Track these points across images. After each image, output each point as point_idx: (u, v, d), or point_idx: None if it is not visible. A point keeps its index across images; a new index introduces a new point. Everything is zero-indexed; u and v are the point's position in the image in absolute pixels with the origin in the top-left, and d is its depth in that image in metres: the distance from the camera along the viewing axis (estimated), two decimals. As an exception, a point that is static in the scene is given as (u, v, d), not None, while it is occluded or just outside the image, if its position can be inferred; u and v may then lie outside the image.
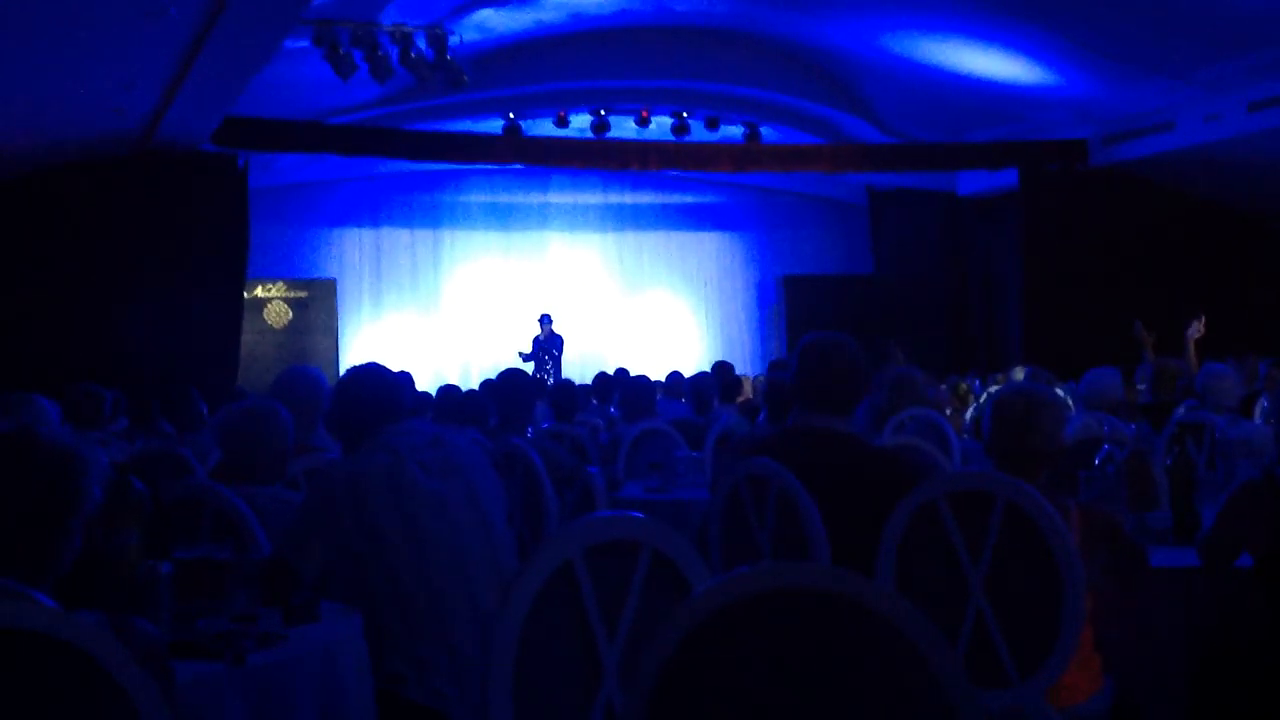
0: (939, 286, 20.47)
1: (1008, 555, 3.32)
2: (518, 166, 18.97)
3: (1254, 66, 13.60)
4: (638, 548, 2.45)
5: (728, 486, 4.01)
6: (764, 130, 18.19)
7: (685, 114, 17.69)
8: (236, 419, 4.31)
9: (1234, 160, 15.31)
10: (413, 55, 13.62)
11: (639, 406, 8.35)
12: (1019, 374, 11.29)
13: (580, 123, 17.49)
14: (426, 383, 11.90)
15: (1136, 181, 17.03)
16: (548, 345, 17.75)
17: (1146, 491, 4.22)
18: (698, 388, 9.47)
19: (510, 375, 7.06)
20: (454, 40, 14.00)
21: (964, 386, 11.42)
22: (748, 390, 11.47)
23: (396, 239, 20.50)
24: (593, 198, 21.27)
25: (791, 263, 21.75)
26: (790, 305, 20.98)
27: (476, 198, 20.75)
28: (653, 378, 9.93)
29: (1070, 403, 9.44)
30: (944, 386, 11.09)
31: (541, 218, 21.14)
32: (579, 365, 19.14)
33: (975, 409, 9.00)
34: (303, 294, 18.86)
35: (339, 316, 19.25)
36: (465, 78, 14.10)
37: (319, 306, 18.94)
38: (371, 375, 3.95)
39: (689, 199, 21.71)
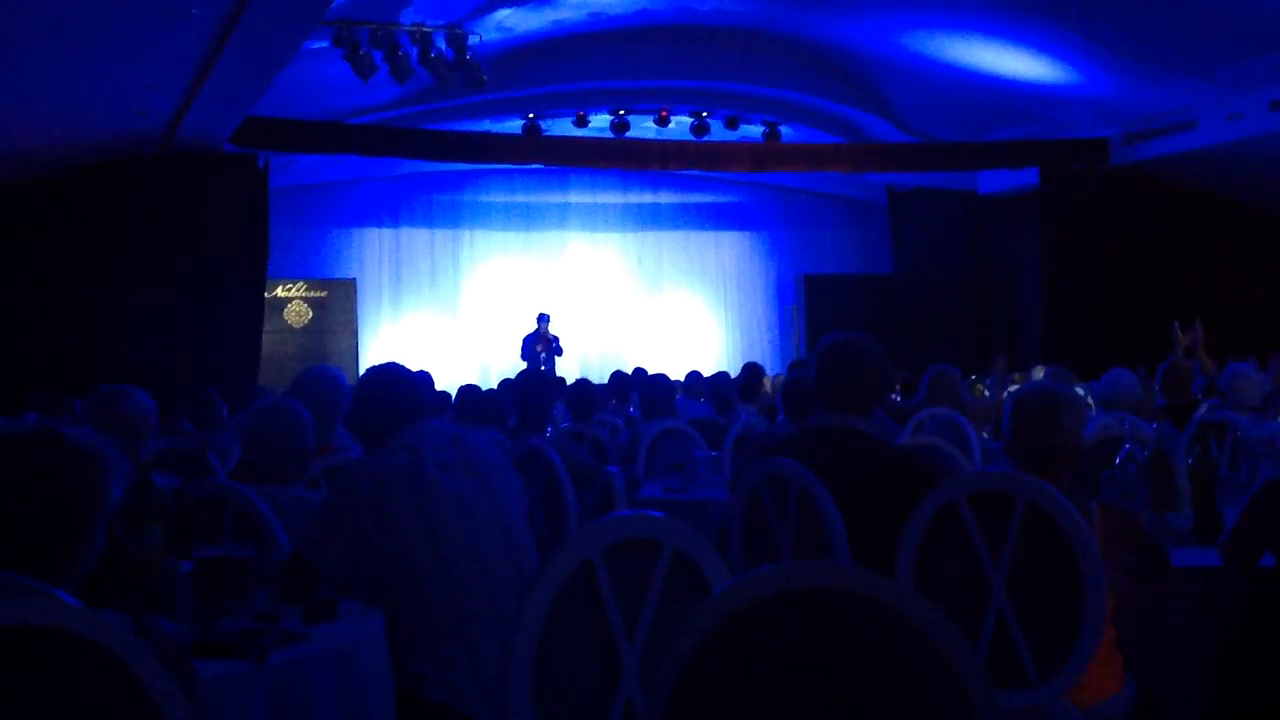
0: (959, 286, 20.41)
1: (1028, 555, 3.31)
2: (537, 166, 18.99)
3: (1276, 65, 13.53)
4: (658, 547, 2.45)
5: (748, 486, 4.01)
6: (784, 130, 18.17)
7: (705, 114, 17.68)
8: (258, 419, 4.32)
9: (1256, 159, 15.23)
10: (432, 55, 13.65)
11: (659, 406, 8.35)
12: (1039, 374, 11.26)
13: (600, 123, 17.50)
14: (446, 382, 11.93)
15: (1158, 181, 16.95)
16: (536, 345, 17.55)
17: (1168, 491, 4.20)
18: (718, 388, 9.47)
19: (530, 375, 7.08)
20: (473, 40, 14.03)
21: (980, 386, 11.41)
22: (767, 389, 11.45)
23: (416, 239, 20.55)
24: (612, 198, 21.28)
25: (811, 262, 21.72)
26: (810, 305, 20.94)
27: (496, 198, 20.78)
28: (672, 377, 9.91)
29: (1091, 402, 9.41)
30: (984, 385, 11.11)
31: (561, 218, 21.16)
32: (598, 365, 19.16)
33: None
34: (323, 294, 18.90)
35: (359, 316, 19.29)
36: (485, 78, 14.13)
37: (339, 306, 18.99)
38: (391, 375, 3.96)
39: (708, 199, 21.70)
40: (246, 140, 14.64)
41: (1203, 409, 6.82)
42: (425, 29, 13.63)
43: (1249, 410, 6.55)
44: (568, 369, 18.43)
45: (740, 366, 10.92)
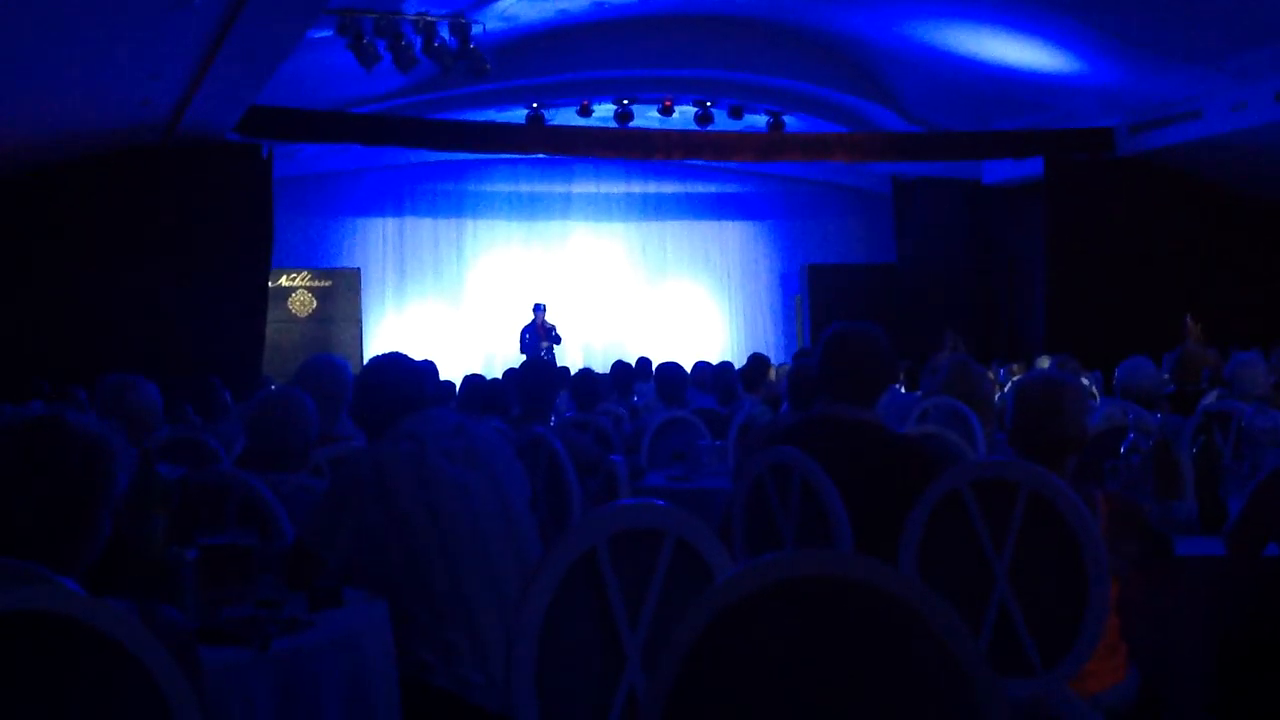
0: (963, 276, 20.40)
1: (1032, 544, 3.31)
2: (541, 156, 18.99)
3: (1282, 54, 13.51)
4: (661, 536, 2.45)
5: (751, 475, 4.01)
6: (788, 119, 18.15)
7: (709, 103, 17.67)
8: (262, 407, 4.33)
9: (1261, 149, 15.20)
10: (436, 44, 13.63)
11: (673, 394, 8.36)
12: (1044, 363, 11.26)
13: (604, 112, 17.48)
14: (450, 372, 11.95)
15: (1163, 170, 16.93)
16: (538, 336, 17.57)
17: (1172, 481, 4.20)
18: (721, 378, 9.46)
19: (533, 364, 7.08)
20: (477, 29, 14.01)
21: (990, 376, 11.39)
22: (772, 379, 11.45)
23: (420, 228, 20.55)
24: (616, 187, 21.27)
25: (815, 252, 21.71)
26: (814, 295, 20.93)
27: (500, 187, 20.78)
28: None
29: (1095, 392, 9.40)
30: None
31: (565, 207, 21.16)
32: (601, 355, 19.16)
33: (1000, 398, 8.97)
34: (327, 283, 18.90)
35: (363, 306, 19.29)
36: (488, 67, 14.12)
37: (343, 296, 18.99)
38: (394, 364, 3.96)
39: (712, 188, 21.69)
40: (250, 130, 14.64)
41: (1208, 398, 6.81)
42: (429, 18, 13.61)
43: (1254, 399, 6.54)
44: (571, 359, 18.44)
45: (744, 356, 10.94)
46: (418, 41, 13.59)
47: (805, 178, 21.55)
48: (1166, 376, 7.50)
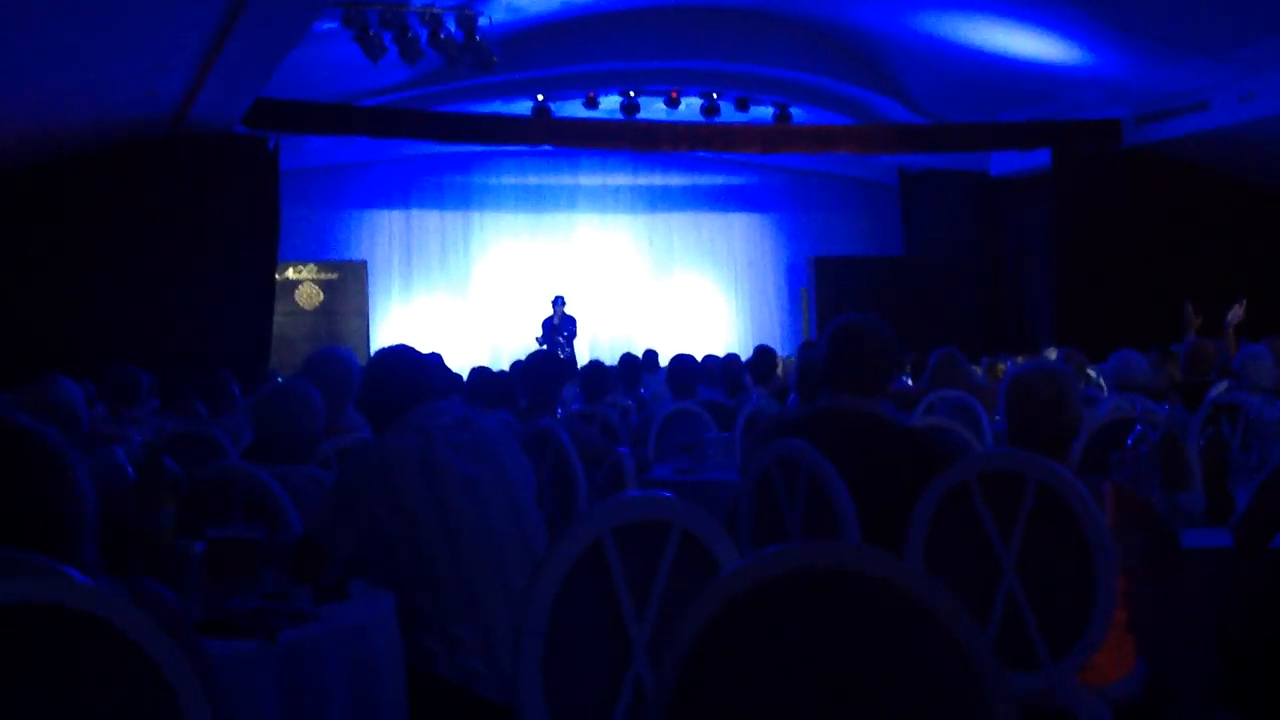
0: (970, 268, 20.38)
1: (1039, 536, 3.31)
2: (547, 148, 18.97)
3: (1290, 45, 13.47)
4: (667, 527, 2.45)
5: (758, 467, 4.01)
6: (794, 111, 18.13)
7: (715, 95, 17.64)
8: (269, 399, 4.33)
9: (1269, 140, 15.16)
10: (442, 37, 13.62)
11: (684, 385, 8.36)
12: (1051, 355, 11.24)
13: (610, 104, 17.47)
14: (456, 364, 11.95)
15: (1170, 162, 16.89)
16: (561, 327, 17.68)
17: (1179, 473, 4.19)
18: (728, 370, 9.46)
19: (540, 357, 7.09)
20: (483, 21, 13.99)
21: (1001, 367, 11.37)
22: (778, 371, 11.44)
23: (426, 221, 20.56)
24: (622, 179, 21.27)
25: (822, 244, 21.69)
26: (820, 287, 20.91)
27: (506, 179, 20.78)
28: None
29: (1103, 385, 9.40)
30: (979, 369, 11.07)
31: (571, 199, 21.15)
32: (608, 348, 19.16)
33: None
34: (333, 276, 18.92)
35: (369, 298, 19.31)
36: (494, 59, 14.11)
37: (350, 288, 19.01)
38: (401, 356, 3.96)
39: (719, 180, 21.67)
40: (257, 122, 14.64)
41: (1216, 390, 6.80)
42: (435, 10, 13.60)
43: (1261, 391, 6.52)
44: (577, 351, 18.46)
45: (750, 348, 10.91)
46: (424, 33, 13.58)
47: (812, 170, 21.53)
48: (1181, 366, 7.49)
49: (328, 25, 12.90)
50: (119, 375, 8.13)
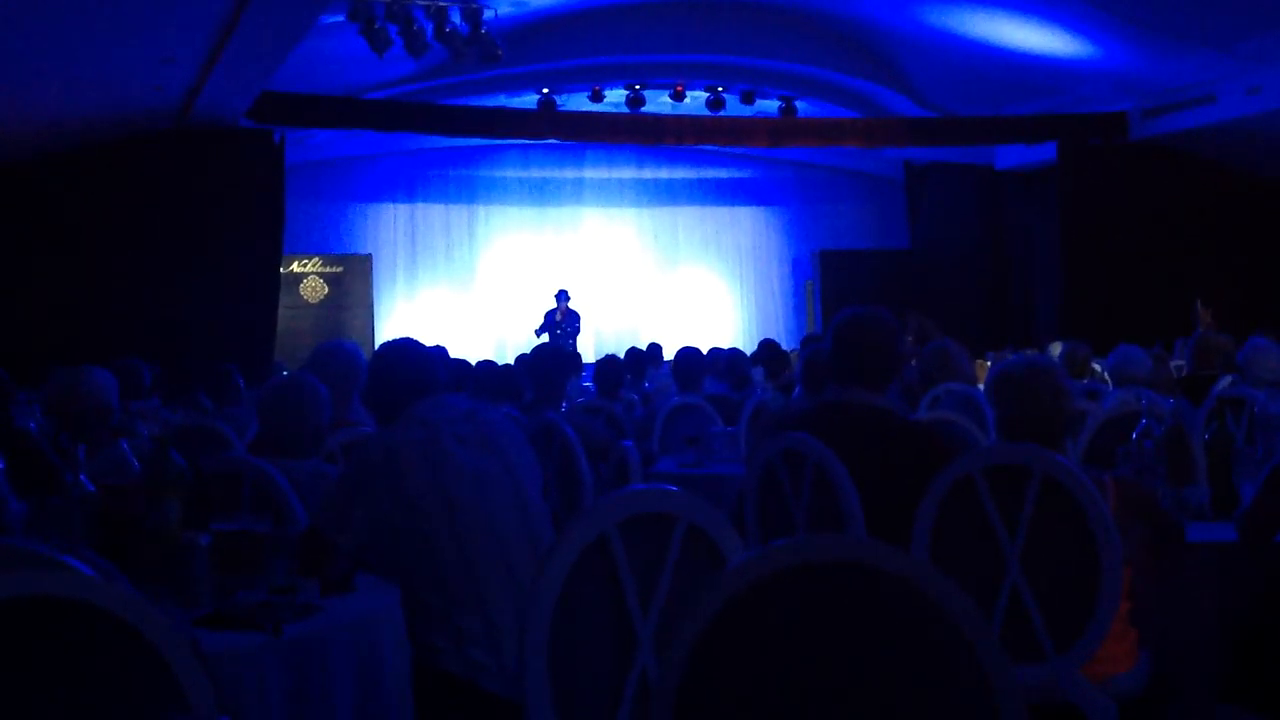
0: (976, 261, 20.35)
1: (1044, 529, 3.31)
2: (553, 142, 18.97)
3: (1296, 38, 13.44)
4: (673, 521, 2.45)
5: (763, 461, 4.01)
6: (800, 104, 18.10)
7: (721, 88, 17.62)
8: (275, 393, 4.34)
9: (1275, 132, 15.13)
10: (447, 30, 13.61)
11: (690, 379, 8.36)
12: (1055, 348, 11.23)
13: (615, 97, 17.46)
14: (461, 358, 11.93)
15: (1177, 155, 16.86)
16: (563, 322, 17.64)
17: (1184, 466, 4.19)
18: (734, 364, 9.45)
19: (545, 350, 7.08)
20: (489, 14, 13.98)
21: (986, 364, 11.37)
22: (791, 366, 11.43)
23: (431, 214, 20.56)
24: (628, 173, 21.26)
25: (827, 237, 21.67)
26: (825, 280, 20.90)
27: (511, 173, 20.78)
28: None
29: (1108, 378, 9.38)
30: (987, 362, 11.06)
31: (576, 193, 21.15)
32: (613, 341, 19.16)
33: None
34: (338, 269, 18.93)
35: (374, 292, 19.32)
36: (500, 52, 14.09)
37: (355, 282, 19.02)
38: (406, 349, 3.96)
39: (724, 174, 21.66)
40: (262, 115, 14.65)
41: (1221, 384, 6.79)
42: (440, 3, 13.59)
43: (1267, 385, 6.52)
44: (583, 344, 18.45)
45: (755, 342, 10.90)
46: (429, 27, 13.57)
47: (817, 163, 21.51)
48: (1181, 362, 7.48)
49: (333, 18, 12.89)
50: (123, 368, 8.13)
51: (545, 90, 17.01)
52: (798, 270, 21.86)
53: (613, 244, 21.21)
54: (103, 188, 14.41)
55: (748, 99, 17.77)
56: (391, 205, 20.32)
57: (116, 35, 10.66)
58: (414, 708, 3.25)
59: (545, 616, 2.33)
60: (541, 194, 20.97)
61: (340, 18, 13.05)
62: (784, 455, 3.93)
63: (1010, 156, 19.66)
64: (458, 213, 20.69)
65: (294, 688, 2.81)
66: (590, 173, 21.10)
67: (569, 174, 21.03)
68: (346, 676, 2.92)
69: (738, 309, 21.78)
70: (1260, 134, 15.30)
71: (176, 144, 14.53)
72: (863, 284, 19.85)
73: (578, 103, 17.51)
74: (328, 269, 18.85)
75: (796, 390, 7.14)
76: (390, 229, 20.29)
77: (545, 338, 17.09)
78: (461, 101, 16.61)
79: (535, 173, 20.86)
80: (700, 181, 21.62)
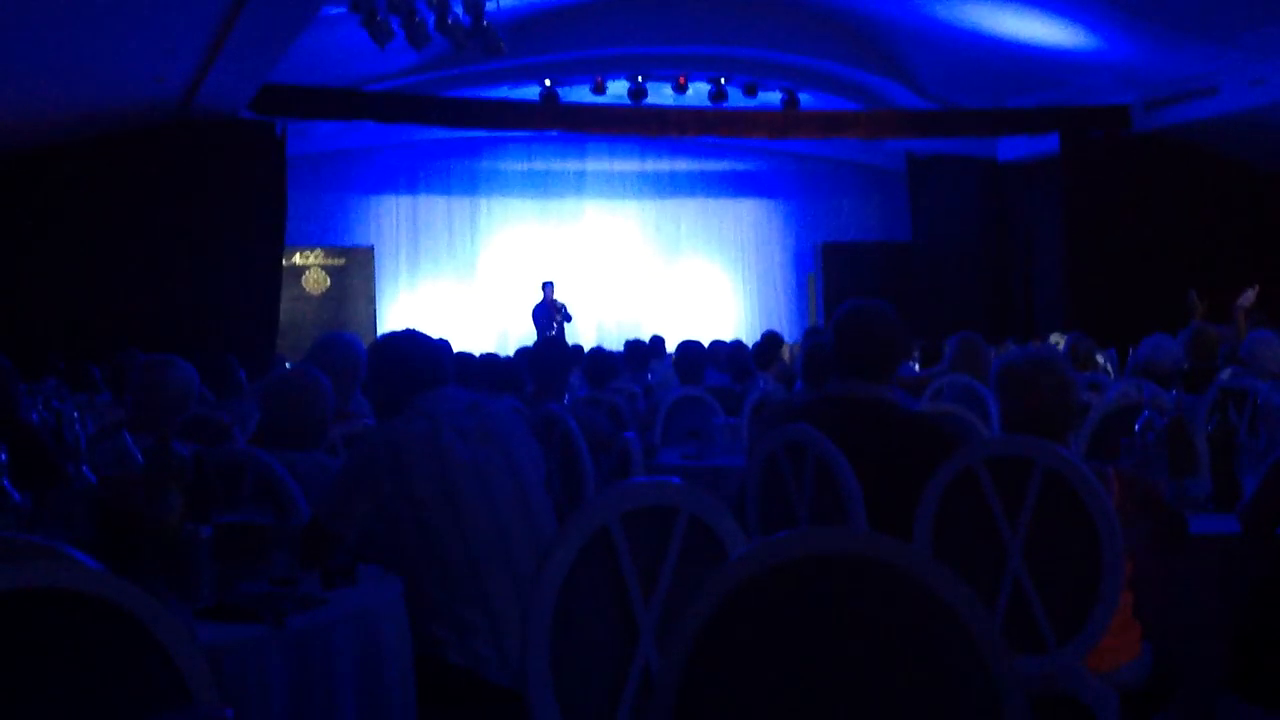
0: (979, 253, 20.35)
1: (1046, 521, 3.31)
2: (555, 133, 18.96)
3: (1299, 30, 13.42)
4: (674, 513, 2.45)
5: (765, 453, 4.01)
6: (802, 96, 18.09)
7: (723, 80, 17.61)
8: (279, 385, 4.33)
9: (1278, 125, 15.12)
10: (449, 21, 13.57)
11: (692, 371, 8.35)
12: (1057, 340, 11.23)
13: (617, 89, 17.45)
14: (463, 350, 11.94)
15: (1179, 146, 16.85)
16: (550, 313, 17.54)
17: (1187, 458, 4.19)
18: (735, 356, 9.45)
19: (546, 342, 7.09)
20: (490, 6, 13.94)
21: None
22: (785, 357, 11.44)
23: (433, 206, 20.55)
24: (630, 165, 21.24)
25: (829, 230, 21.66)
26: (828, 272, 20.90)
27: (513, 165, 20.77)
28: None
29: (1110, 370, 9.37)
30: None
31: (578, 185, 21.14)
32: (615, 333, 19.16)
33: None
34: (340, 261, 18.94)
35: (376, 284, 19.33)
36: (502, 44, 14.06)
37: (357, 274, 19.03)
38: (409, 341, 3.96)
39: (726, 166, 21.64)
40: (264, 107, 14.65)
41: (1223, 376, 6.78)
42: (442, -5, 13.57)
43: (1269, 377, 6.51)
44: (585, 337, 18.44)
45: (758, 334, 10.89)
46: (431, 18, 13.54)
47: (819, 155, 21.49)
48: (1184, 352, 7.46)
49: (335, 10, 12.88)
50: (124, 361, 8.14)
51: (547, 82, 17.00)
52: (800, 262, 21.85)
53: (614, 236, 21.20)
54: (104, 180, 14.42)
55: (750, 91, 17.76)
56: (393, 197, 20.31)
57: (118, 27, 10.66)
58: (416, 699, 3.25)
59: (547, 608, 2.33)
60: (543, 186, 20.95)
61: (342, 9, 13.02)
62: (786, 447, 3.92)
63: (1013, 148, 19.65)
64: (460, 204, 20.69)
65: (296, 679, 2.81)
66: (592, 165, 21.09)
67: (571, 166, 21.01)
68: (348, 668, 2.92)
69: (739, 301, 21.77)
70: (1263, 126, 15.29)
71: (178, 136, 14.54)
72: (865, 276, 19.87)
73: (580, 94, 17.50)
74: (330, 261, 18.86)
75: (798, 382, 7.14)
76: (392, 221, 20.29)
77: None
78: (463, 93, 16.61)
79: (537, 164, 20.85)
80: (702, 173, 21.61)
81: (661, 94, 17.57)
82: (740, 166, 21.72)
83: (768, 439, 4.01)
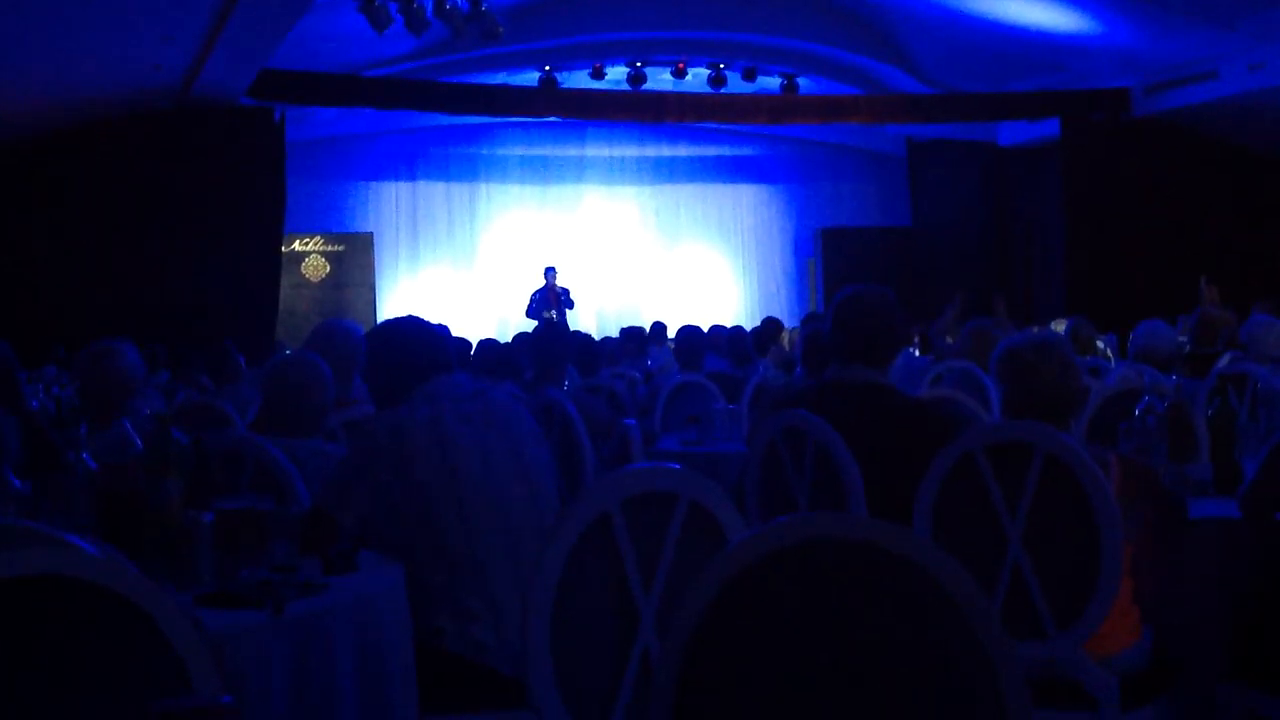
0: (979, 238, 20.32)
1: (1046, 507, 3.31)
2: (554, 119, 18.93)
3: (1299, 14, 13.39)
4: (674, 499, 2.45)
5: (764, 439, 4.01)
6: (801, 81, 18.06)
7: (722, 65, 17.59)
8: (280, 371, 4.33)
9: (1278, 109, 15.09)
10: (448, 7, 13.54)
11: (691, 357, 8.35)
12: (1058, 325, 11.22)
13: (617, 75, 17.42)
14: (463, 336, 11.95)
15: (1180, 131, 16.83)
16: (547, 300, 17.44)
17: (1187, 443, 4.19)
18: (735, 342, 9.45)
19: (546, 328, 7.08)
20: (489, -9, 13.93)
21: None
22: (785, 343, 11.44)
23: (433, 192, 20.53)
24: (629, 150, 21.21)
25: (829, 215, 21.63)
26: (827, 258, 20.87)
27: (512, 151, 20.73)
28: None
29: (1110, 355, 9.37)
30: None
31: (578, 171, 21.11)
32: (614, 319, 19.15)
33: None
34: (340, 247, 18.92)
35: (376, 270, 19.31)
36: (500, 29, 14.03)
37: (356, 260, 19.01)
38: (411, 327, 3.95)
39: (726, 151, 21.61)
40: (262, 93, 14.62)
41: (1224, 360, 6.79)
42: (441, -20, 13.53)
43: (1270, 361, 6.51)
44: (584, 323, 18.41)
45: (758, 320, 10.90)
46: (429, 4, 13.50)
47: (819, 140, 21.45)
48: (1184, 339, 7.46)
49: (333, -4, 12.86)
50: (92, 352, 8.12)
51: (546, 68, 16.97)
52: (799, 248, 21.83)
53: (614, 222, 21.18)
54: (103, 167, 14.40)
55: (749, 76, 17.74)
56: (393, 183, 20.29)
57: (116, 14, 10.64)
58: (417, 686, 3.25)
59: (548, 595, 2.33)
60: (543, 172, 20.93)
61: (340, -5, 13.01)
62: (785, 433, 3.92)
63: (1013, 133, 19.62)
64: (459, 191, 20.66)
65: (296, 666, 2.81)
66: (591, 150, 21.06)
67: (570, 152, 20.98)
68: (349, 655, 2.92)
69: (739, 287, 21.75)
70: (1263, 110, 15.27)
71: (177, 123, 14.51)
72: (865, 261, 19.82)
73: (579, 80, 17.47)
74: (329, 247, 18.85)
75: (798, 368, 7.14)
76: (391, 207, 20.27)
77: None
78: (462, 79, 16.57)
79: (536, 150, 20.82)
80: (701, 159, 21.58)
81: (661, 79, 17.54)
82: (740, 152, 21.69)
83: (767, 425, 4.01)
